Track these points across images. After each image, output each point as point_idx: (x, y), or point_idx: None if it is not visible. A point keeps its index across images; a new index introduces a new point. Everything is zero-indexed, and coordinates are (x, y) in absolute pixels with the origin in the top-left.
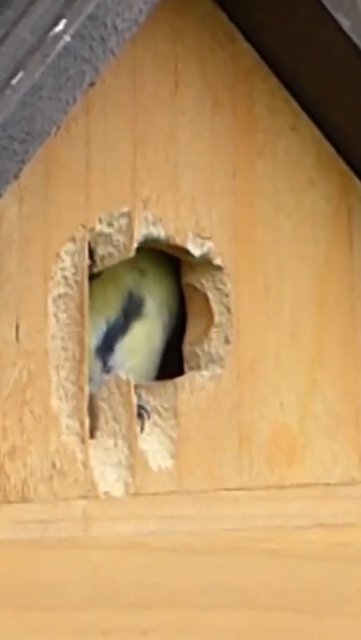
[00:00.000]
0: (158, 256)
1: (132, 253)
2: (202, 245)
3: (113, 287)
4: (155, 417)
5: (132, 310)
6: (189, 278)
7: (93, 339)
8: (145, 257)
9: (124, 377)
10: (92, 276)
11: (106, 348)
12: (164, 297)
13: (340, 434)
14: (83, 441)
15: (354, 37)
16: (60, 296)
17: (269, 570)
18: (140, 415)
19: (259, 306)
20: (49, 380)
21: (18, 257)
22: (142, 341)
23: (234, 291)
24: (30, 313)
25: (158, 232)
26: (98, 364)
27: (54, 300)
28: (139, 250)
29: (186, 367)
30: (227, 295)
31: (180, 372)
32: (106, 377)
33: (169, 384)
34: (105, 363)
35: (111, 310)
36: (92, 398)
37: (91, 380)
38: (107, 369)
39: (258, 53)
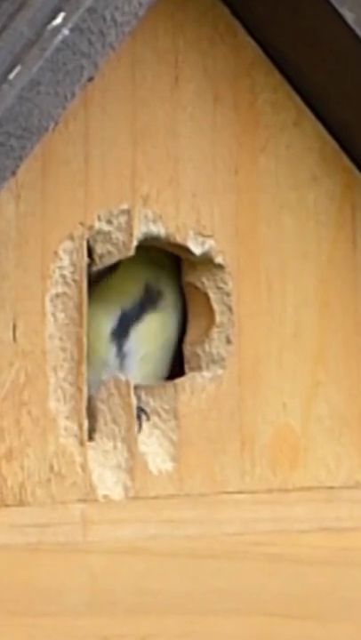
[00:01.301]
0: (172, 255)
1: (132, 252)
2: (203, 243)
3: (131, 280)
4: (155, 419)
5: (148, 302)
6: (190, 277)
7: (108, 324)
8: (163, 253)
9: (123, 378)
10: (104, 271)
11: (121, 332)
12: (179, 293)
13: (344, 436)
14: (81, 443)
15: (358, 31)
16: (58, 295)
17: (272, 575)
18: (137, 416)
19: (261, 305)
20: (47, 381)
21: (15, 255)
22: (157, 330)
23: (235, 290)
24: (28, 312)
25: (158, 230)
26: (112, 349)
27: (52, 300)
28: (155, 247)
29: (186, 368)
30: (228, 294)
31: (181, 373)
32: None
33: (169, 385)
34: (120, 347)
35: (127, 301)
36: (90, 400)
37: (106, 364)
38: (121, 354)
39: (260, 47)
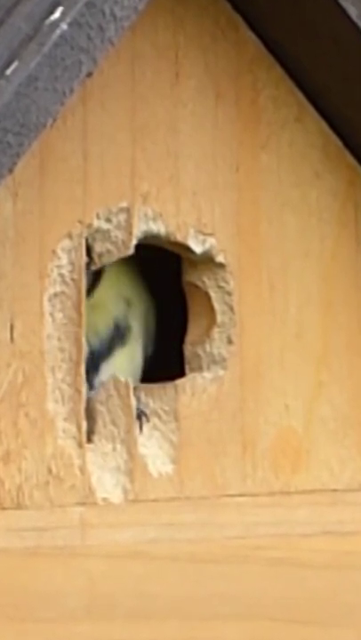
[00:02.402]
0: (139, 279)
1: (132, 250)
2: (204, 242)
3: (100, 315)
4: (154, 420)
5: (117, 338)
6: (190, 276)
7: None
8: (130, 285)
9: (122, 379)
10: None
11: (92, 367)
12: (145, 321)
13: (347, 438)
14: (80, 445)
15: None
16: (56, 294)
17: (273, 579)
18: (137, 418)
19: (263, 305)
20: (45, 382)
21: (12, 254)
22: (126, 362)
23: (237, 289)
24: (25, 312)
25: (158, 228)
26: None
27: (50, 299)
28: (123, 276)
29: (187, 368)
30: (229, 294)
31: (181, 374)
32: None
33: (169, 386)
34: (91, 383)
35: (97, 339)
36: (89, 401)
37: None
38: (94, 389)
39: (262, 42)
